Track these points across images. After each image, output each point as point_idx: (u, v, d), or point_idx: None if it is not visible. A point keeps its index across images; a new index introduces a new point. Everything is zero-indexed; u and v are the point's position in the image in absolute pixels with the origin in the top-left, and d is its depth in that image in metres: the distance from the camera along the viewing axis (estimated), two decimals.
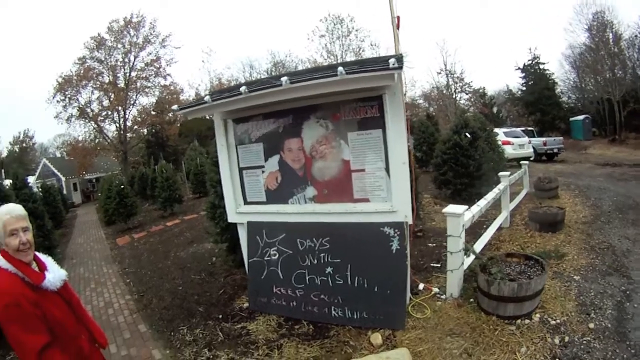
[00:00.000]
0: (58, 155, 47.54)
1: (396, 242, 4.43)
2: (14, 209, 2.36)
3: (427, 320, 4.40)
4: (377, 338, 4.18)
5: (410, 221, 4.44)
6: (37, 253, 2.52)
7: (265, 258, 5.16)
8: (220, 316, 5.36)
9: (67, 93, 34.97)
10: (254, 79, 33.17)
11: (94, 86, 36.00)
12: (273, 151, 5.08)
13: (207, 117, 44.95)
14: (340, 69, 3.79)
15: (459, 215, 4.61)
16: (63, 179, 38.87)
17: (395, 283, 4.41)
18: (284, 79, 4.04)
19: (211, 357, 4.42)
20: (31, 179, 26.57)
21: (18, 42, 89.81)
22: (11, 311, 2.14)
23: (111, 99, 36.07)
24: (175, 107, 5.14)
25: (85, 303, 7.46)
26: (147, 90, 38.15)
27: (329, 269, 4.73)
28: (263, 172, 5.23)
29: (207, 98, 4.69)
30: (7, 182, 13.74)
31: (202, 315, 5.53)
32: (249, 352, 4.35)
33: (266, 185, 5.25)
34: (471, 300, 4.65)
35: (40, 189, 21.32)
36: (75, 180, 40.44)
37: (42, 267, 2.48)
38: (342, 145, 4.63)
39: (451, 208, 4.72)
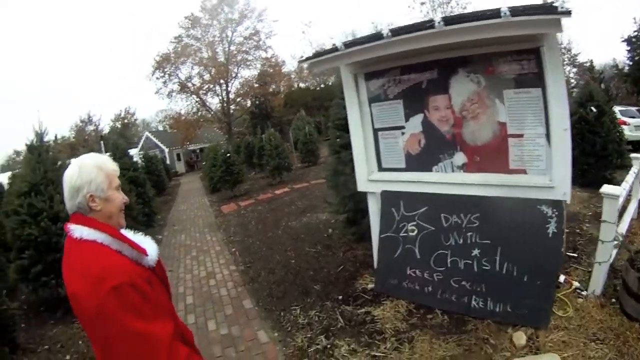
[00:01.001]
0: (160, 128, 50.89)
1: (553, 224, 3.73)
2: (113, 162, 1.95)
3: (569, 319, 3.70)
4: (520, 338, 3.56)
5: (568, 200, 3.75)
6: None
7: (401, 234, 4.59)
8: (340, 297, 4.89)
9: (166, 70, 38.28)
10: None
11: (193, 62, 38.79)
12: (415, 110, 4.47)
13: (312, 88, 45.99)
14: (504, 9, 3.15)
15: (617, 197, 3.82)
16: (166, 149, 42.21)
17: (547, 273, 3.74)
18: (437, 19, 3.46)
19: (328, 346, 3.97)
20: (134, 151, 28.42)
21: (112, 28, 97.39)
22: (125, 294, 1.54)
23: (212, 73, 38.58)
24: (302, 56, 4.76)
25: (185, 272, 7.49)
26: (248, 63, 40.13)
27: (475, 251, 4.10)
28: (403, 133, 4.63)
29: (339, 45, 4.18)
30: (107, 154, 14.55)
31: (318, 295, 5.11)
32: (374, 344, 3.84)
33: (406, 149, 4.65)
34: (613, 300, 3.87)
35: (142, 159, 22.57)
36: (179, 151, 43.98)
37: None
38: (497, 104, 3.95)
39: (609, 188, 3.91)
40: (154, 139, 45.18)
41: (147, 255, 1.81)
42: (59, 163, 7.02)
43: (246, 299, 5.56)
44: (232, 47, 39.24)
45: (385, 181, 4.83)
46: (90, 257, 1.61)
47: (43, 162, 6.74)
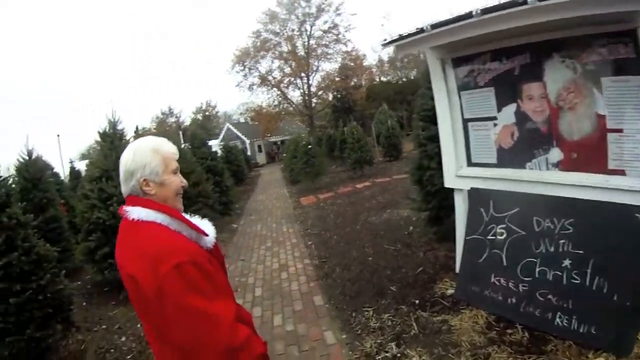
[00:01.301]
0: (242, 121, 52.35)
1: None
2: (175, 148, 1.85)
3: None
4: None
5: None
6: None
7: (489, 237, 4.17)
8: (417, 301, 4.57)
9: (245, 64, 39.85)
10: None
11: (273, 56, 40.13)
12: (508, 99, 4.06)
13: (393, 80, 45.41)
14: None
15: None
16: (247, 141, 43.73)
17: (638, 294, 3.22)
18: None
19: (398, 355, 3.69)
20: (215, 142, 29.39)
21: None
22: (187, 273, 1.50)
23: (292, 67, 39.73)
24: (384, 39, 4.48)
25: (257, 263, 7.47)
26: (328, 56, 40.81)
27: (566, 262, 3.60)
28: (495, 125, 4.22)
29: (425, 26, 3.88)
30: (185, 144, 15.10)
31: (394, 297, 4.81)
32: (447, 358, 3.52)
33: (498, 142, 4.24)
34: None
35: (222, 149, 23.21)
36: (260, 143, 45.20)
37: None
38: (595, 93, 3.45)
39: None
40: (235, 131, 46.77)
41: (206, 235, 1.78)
42: None
43: (317, 295, 5.40)
44: (312, 41, 40.12)
45: (475, 177, 4.44)
46: (150, 237, 1.58)
47: (115, 148, 6.96)
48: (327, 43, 40.08)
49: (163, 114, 68.38)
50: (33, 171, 8.80)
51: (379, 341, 3.95)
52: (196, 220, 1.87)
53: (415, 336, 3.91)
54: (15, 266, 4.32)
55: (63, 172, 20.70)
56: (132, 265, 1.55)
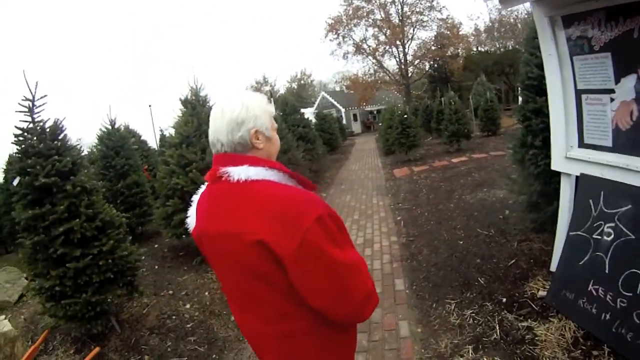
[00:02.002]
0: (337, 89, 52.16)
1: None
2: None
3: None
4: None
5: None
6: None
7: (594, 235, 3.47)
8: (504, 300, 4.04)
9: (339, 32, 39.58)
10: None
11: (367, 24, 39.57)
12: (627, 68, 3.25)
13: (491, 50, 42.86)
14: None
15: None
16: (342, 109, 43.28)
17: None
18: None
19: None
20: (309, 110, 29.43)
21: None
22: (327, 225, 1.43)
23: (387, 35, 38.86)
24: None
25: None
26: (424, 24, 39.27)
27: None
28: (612, 99, 3.43)
29: None
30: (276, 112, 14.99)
31: (480, 291, 4.32)
32: None
33: (615, 121, 3.44)
34: None
35: (315, 117, 23.12)
36: (355, 111, 44.92)
37: None
38: None
39: None
40: (330, 99, 46.73)
41: (314, 189, 1.66)
42: None
43: (399, 279, 5.04)
44: (405, 8, 38.64)
45: (586, 162, 3.69)
46: (277, 196, 1.45)
47: (197, 115, 6.92)
48: (421, 10, 38.53)
49: (257, 82, 69.71)
50: (115, 139, 9.22)
51: (455, 341, 3.56)
52: None
53: (496, 342, 3.45)
54: (76, 232, 4.42)
55: (156, 141, 22.08)
56: (262, 230, 1.37)
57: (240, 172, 1.47)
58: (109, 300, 4.56)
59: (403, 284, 4.86)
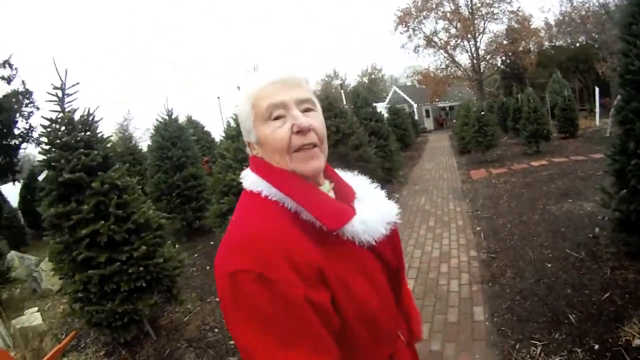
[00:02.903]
0: (409, 84, 51.36)
1: None
2: (279, 71, 1.17)
3: None
4: None
5: None
6: (337, 170, 1.41)
7: None
8: (596, 347, 3.42)
9: (409, 25, 39.14)
10: None
11: (437, 16, 38.89)
12: None
13: (563, 45, 40.36)
14: None
15: None
16: (414, 105, 42.81)
17: None
18: None
19: None
20: (381, 105, 29.04)
21: None
22: (243, 289, 0.96)
23: (457, 28, 38.15)
24: None
25: (415, 246, 6.73)
26: (494, 16, 37.98)
27: None
28: None
29: None
30: (345, 106, 14.59)
31: (570, 332, 3.70)
32: None
33: None
34: None
35: (388, 112, 22.67)
36: (428, 107, 44.18)
37: (347, 193, 1.31)
38: None
39: None
40: (402, 94, 46.05)
41: (340, 225, 1.09)
42: None
43: (478, 306, 4.51)
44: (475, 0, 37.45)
45: None
46: (238, 217, 1.11)
47: None
48: (491, 2, 37.18)
49: (328, 76, 69.77)
50: (172, 129, 9.13)
51: None
52: (363, 182, 1.38)
53: None
54: (102, 235, 4.11)
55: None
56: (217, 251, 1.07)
57: (247, 178, 1.20)
58: (139, 309, 4.27)
59: (483, 313, 4.34)
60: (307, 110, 1.15)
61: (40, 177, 4.50)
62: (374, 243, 1.14)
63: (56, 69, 4.46)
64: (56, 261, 4.39)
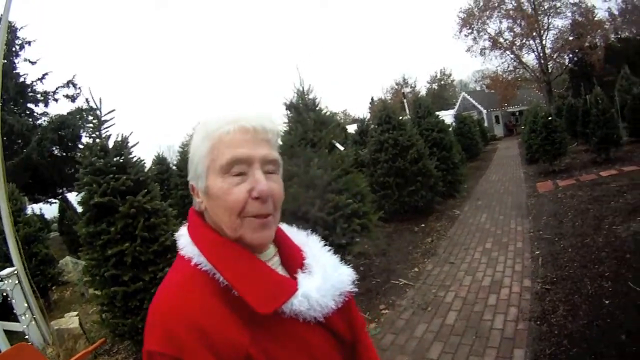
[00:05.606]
0: (478, 89, 49.83)
1: None
2: (254, 118, 1.00)
3: None
4: None
5: None
6: (285, 227, 1.21)
7: None
8: None
9: (473, 26, 37.66)
10: None
11: (500, 15, 37.11)
12: None
13: (630, 37, 37.18)
14: None
15: None
16: (484, 111, 41.58)
17: None
18: None
19: None
20: (449, 112, 28.27)
21: None
22: None
23: (522, 26, 36.11)
24: None
25: (467, 272, 6.26)
26: (557, 10, 35.67)
27: None
28: None
29: None
30: (407, 116, 14.04)
31: None
32: None
33: None
34: None
35: (454, 120, 21.97)
36: (497, 113, 42.46)
37: (295, 258, 1.13)
38: None
39: None
40: (471, 100, 44.81)
41: (276, 306, 0.94)
42: (334, 124, 6.78)
43: (520, 348, 3.98)
44: None
45: None
46: (162, 287, 0.98)
47: (302, 121, 6.28)
48: None
49: (397, 84, 69.06)
50: None
51: None
52: (314, 243, 1.19)
53: None
54: (127, 255, 4.31)
55: None
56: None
57: (180, 237, 1.05)
58: None
59: (523, 359, 3.83)
60: (269, 172, 1.01)
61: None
62: (321, 319, 1.01)
63: (92, 97, 4.96)
64: (90, 275, 4.72)
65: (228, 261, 0.95)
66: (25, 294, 6.24)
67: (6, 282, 6.03)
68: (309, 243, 1.19)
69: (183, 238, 1.04)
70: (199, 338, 0.85)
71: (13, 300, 6.07)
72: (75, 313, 6.51)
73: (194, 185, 1.04)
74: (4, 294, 6.06)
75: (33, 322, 6.20)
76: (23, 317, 6.11)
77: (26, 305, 6.20)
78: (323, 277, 1.05)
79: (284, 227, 1.21)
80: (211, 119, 1.01)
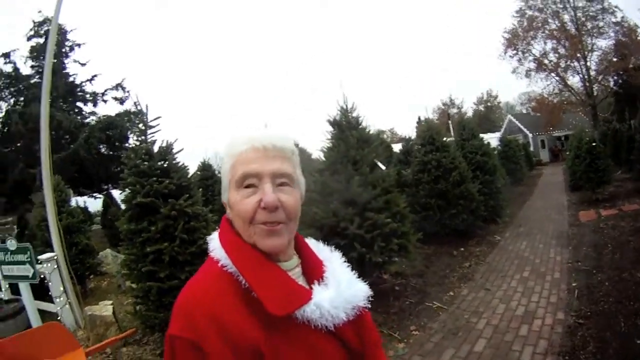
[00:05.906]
0: (524, 112, 48.68)
1: None
2: (264, 138, 1.13)
3: None
4: None
5: None
6: (312, 241, 1.33)
7: None
8: None
9: (517, 47, 36.15)
10: None
11: (544, 35, 35.57)
12: None
13: None
14: None
15: None
16: (530, 135, 40.48)
17: None
18: None
19: None
20: (494, 135, 27.73)
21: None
22: (179, 353, 0.98)
23: (566, 47, 34.26)
24: None
25: (502, 300, 6.13)
26: (600, 30, 33.66)
27: None
28: None
29: None
30: (450, 138, 13.81)
31: None
32: None
33: None
34: None
35: (499, 144, 21.48)
36: (543, 137, 41.37)
37: (316, 270, 1.22)
38: None
39: None
40: (517, 123, 43.86)
41: (289, 311, 1.03)
42: (377, 143, 6.88)
43: None
44: (579, 13, 33.86)
45: None
46: (190, 281, 1.13)
47: (344, 139, 6.39)
48: (594, 14, 33.46)
49: (444, 104, 68.48)
50: None
51: None
52: (336, 258, 1.28)
53: None
54: (165, 254, 4.53)
55: None
56: None
57: (211, 240, 1.20)
58: None
59: None
60: (282, 184, 1.12)
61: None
62: (332, 328, 1.08)
63: (139, 102, 5.35)
64: (128, 268, 4.98)
65: (250, 265, 1.06)
66: (62, 279, 6.66)
67: (45, 265, 6.49)
68: (331, 259, 1.28)
69: (214, 241, 1.17)
70: (216, 329, 0.96)
71: (50, 283, 6.51)
72: (110, 302, 6.78)
73: (223, 200, 1.19)
74: (42, 276, 6.46)
75: (67, 306, 6.60)
76: (58, 300, 6.52)
77: (62, 289, 6.62)
78: (337, 291, 1.13)
79: (311, 242, 1.33)
80: (232, 140, 1.16)
